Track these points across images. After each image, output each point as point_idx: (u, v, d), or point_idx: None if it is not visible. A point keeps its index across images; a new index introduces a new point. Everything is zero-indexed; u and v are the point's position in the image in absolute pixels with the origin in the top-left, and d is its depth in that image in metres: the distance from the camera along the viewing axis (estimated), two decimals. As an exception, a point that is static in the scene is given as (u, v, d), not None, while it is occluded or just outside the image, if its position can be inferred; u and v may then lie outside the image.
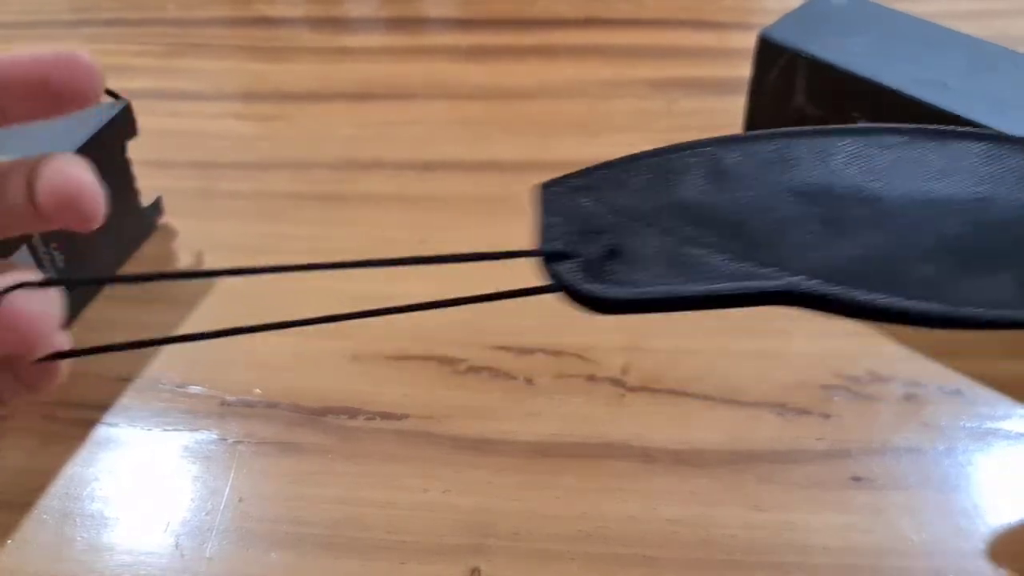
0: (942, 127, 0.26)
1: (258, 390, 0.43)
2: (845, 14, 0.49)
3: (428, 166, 0.56)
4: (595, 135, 0.57)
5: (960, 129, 0.26)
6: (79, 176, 0.22)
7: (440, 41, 0.68)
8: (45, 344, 0.23)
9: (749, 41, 0.49)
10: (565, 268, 0.23)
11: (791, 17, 0.49)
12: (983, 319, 0.22)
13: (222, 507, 0.38)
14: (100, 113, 0.46)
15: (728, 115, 0.54)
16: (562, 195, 0.25)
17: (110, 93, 0.47)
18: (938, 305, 0.22)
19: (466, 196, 0.53)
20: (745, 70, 0.50)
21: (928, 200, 0.24)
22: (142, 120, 0.48)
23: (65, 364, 0.24)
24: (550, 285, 0.23)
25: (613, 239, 0.23)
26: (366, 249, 0.50)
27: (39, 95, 0.22)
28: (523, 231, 0.50)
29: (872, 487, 0.38)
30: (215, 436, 0.41)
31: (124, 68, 0.65)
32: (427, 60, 0.65)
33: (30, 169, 0.22)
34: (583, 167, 0.25)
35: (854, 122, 0.46)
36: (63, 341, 0.23)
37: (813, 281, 0.22)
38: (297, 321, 0.23)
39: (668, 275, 0.22)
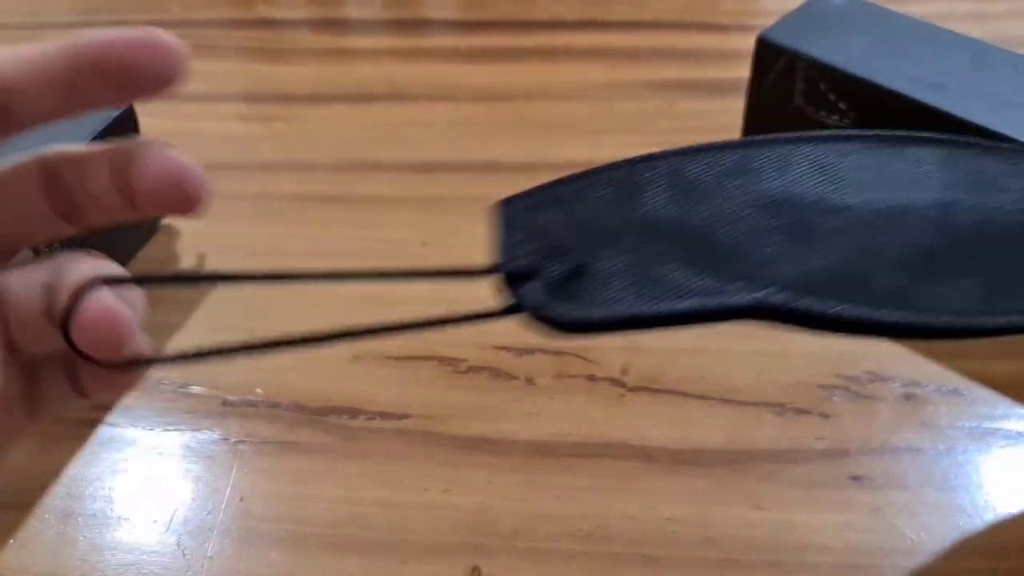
0: (899, 132, 0.25)
1: (259, 390, 0.43)
2: (844, 15, 0.49)
3: (429, 167, 0.56)
4: (596, 136, 0.57)
5: (917, 135, 0.25)
6: (179, 159, 0.20)
7: (441, 43, 0.68)
8: (124, 347, 0.20)
9: (748, 43, 0.49)
10: (527, 289, 0.22)
11: (790, 18, 0.49)
12: (952, 327, 0.22)
13: (223, 506, 0.39)
14: (102, 114, 0.46)
15: (727, 116, 0.54)
16: (523, 211, 0.23)
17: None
18: (908, 314, 0.21)
19: (467, 198, 0.53)
20: (744, 71, 0.50)
21: (891, 207, 0.23)
22: (144, 121, 0.48)
23: (135, 373, 0.21)
24: (509, 307, 0.22)
25: (577, 258, 0.22)
26: (368, 251, 0.50)
27: (115, 79, 0.20)
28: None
29: (871, 487, 0.38)
30: (217, 436, 0.41)
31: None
32: (428, 62, 0.66)
33: (115, 157, 0.21)
34: (573, 171, 0.24)
35: (852, 122, 0.46)
36: (144, 346, 0.21)
37: (781, 295, 0.21)
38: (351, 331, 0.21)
39: (634, 294, 0.21)
